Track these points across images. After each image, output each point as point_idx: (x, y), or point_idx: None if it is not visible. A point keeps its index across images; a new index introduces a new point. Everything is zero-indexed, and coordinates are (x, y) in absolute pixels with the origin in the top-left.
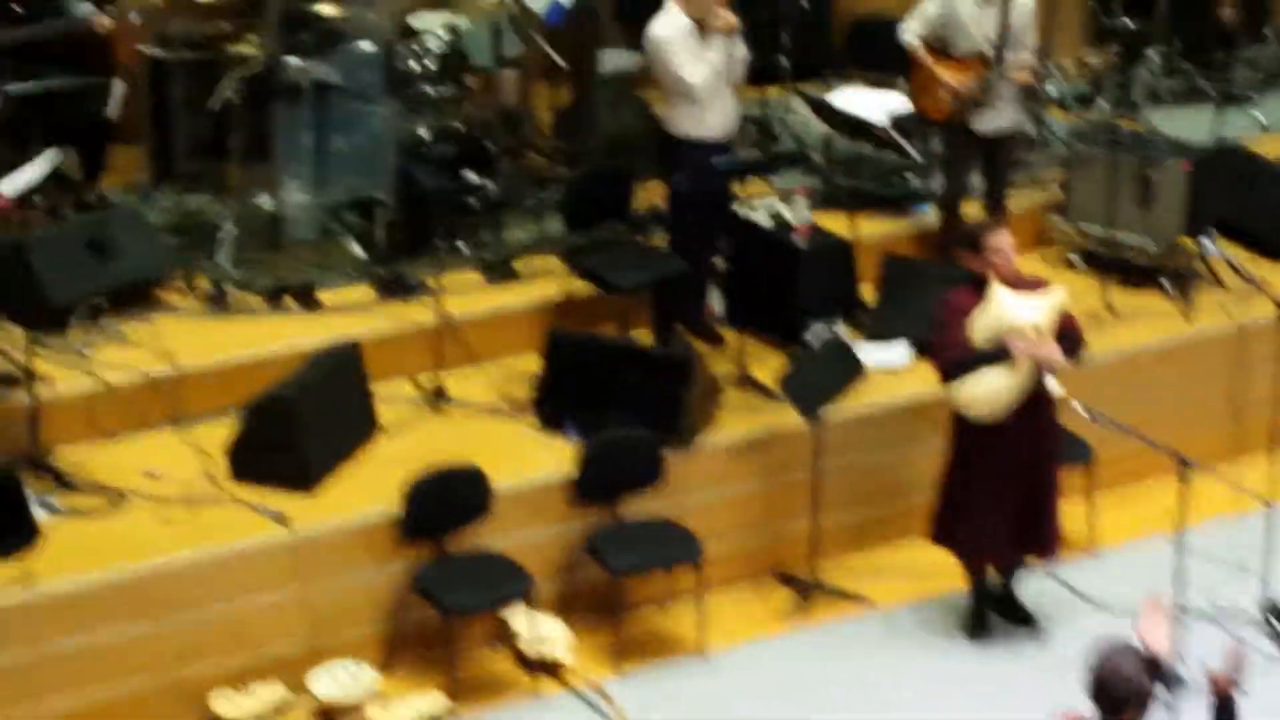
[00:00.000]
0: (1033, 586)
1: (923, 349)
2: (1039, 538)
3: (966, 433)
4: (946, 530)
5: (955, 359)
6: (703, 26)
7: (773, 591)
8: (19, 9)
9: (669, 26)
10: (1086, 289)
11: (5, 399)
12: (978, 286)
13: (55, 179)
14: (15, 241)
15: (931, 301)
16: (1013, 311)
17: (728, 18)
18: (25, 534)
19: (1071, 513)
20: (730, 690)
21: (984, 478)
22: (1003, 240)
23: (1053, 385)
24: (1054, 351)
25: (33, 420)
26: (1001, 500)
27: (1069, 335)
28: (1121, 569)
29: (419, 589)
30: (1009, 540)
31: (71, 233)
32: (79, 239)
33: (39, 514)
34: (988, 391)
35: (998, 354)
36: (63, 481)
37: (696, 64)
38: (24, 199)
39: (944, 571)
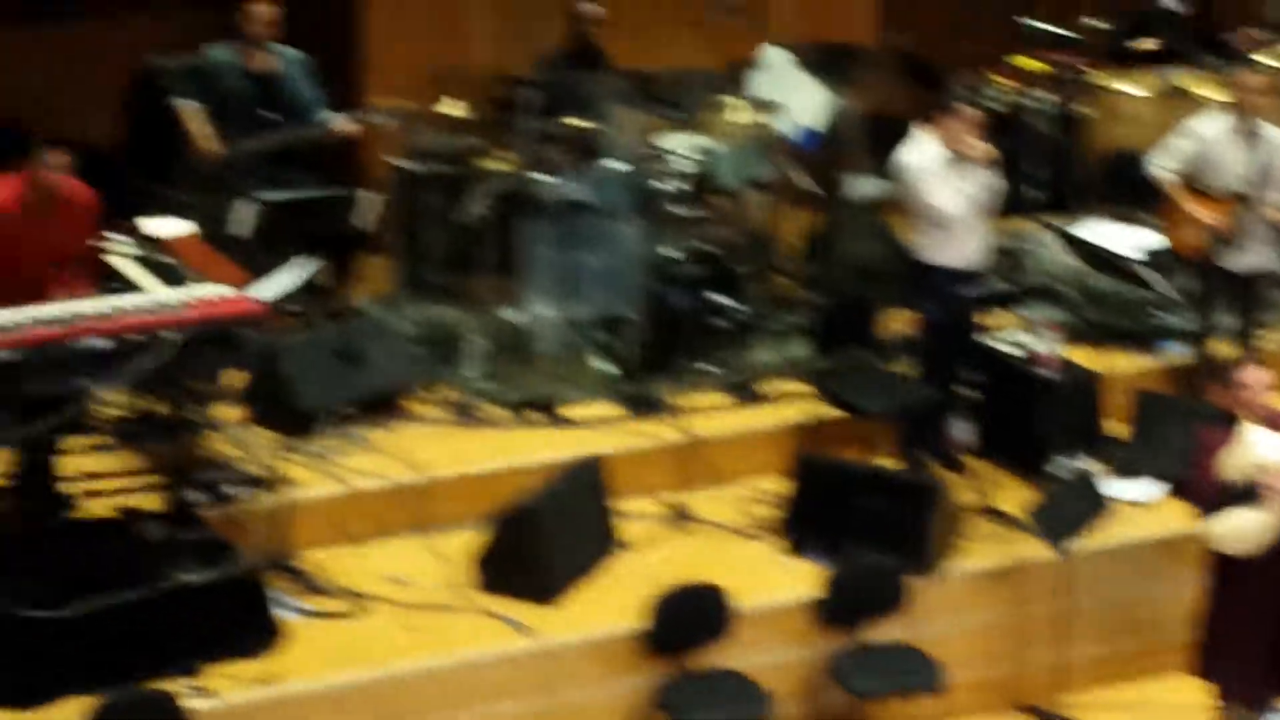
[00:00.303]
0: None
1: (1174, 485)
2: None
3: (1223, 567)
4: (1205, 664)
5: (1206, 496)
6: (955, 155)
7: None
8: (269, 115)
9: (921, 154)
10: None
11: (254, 501)
12: (1230, 424)
13: (308, 287)
14: (268, 347)
15: (1186, 438)
16: (1264, 450)
17: (983, 147)
18: (268, 634)
19: None
20: None
21: (1240, 612)
22: (1254, 377)
23: None
24: None
25: (280, 523)
26: (1259, 636)
27: None
28: None
29: (661, 705)
30: (1264, 678)
31: (322, 340)
32: (329, 347)
33: (283, 615)
34: (1240, 529)
35: (1249, 493)
36: (307, 584)
37: (949, 192)
38: (277, 305)
39: (1192, 708)
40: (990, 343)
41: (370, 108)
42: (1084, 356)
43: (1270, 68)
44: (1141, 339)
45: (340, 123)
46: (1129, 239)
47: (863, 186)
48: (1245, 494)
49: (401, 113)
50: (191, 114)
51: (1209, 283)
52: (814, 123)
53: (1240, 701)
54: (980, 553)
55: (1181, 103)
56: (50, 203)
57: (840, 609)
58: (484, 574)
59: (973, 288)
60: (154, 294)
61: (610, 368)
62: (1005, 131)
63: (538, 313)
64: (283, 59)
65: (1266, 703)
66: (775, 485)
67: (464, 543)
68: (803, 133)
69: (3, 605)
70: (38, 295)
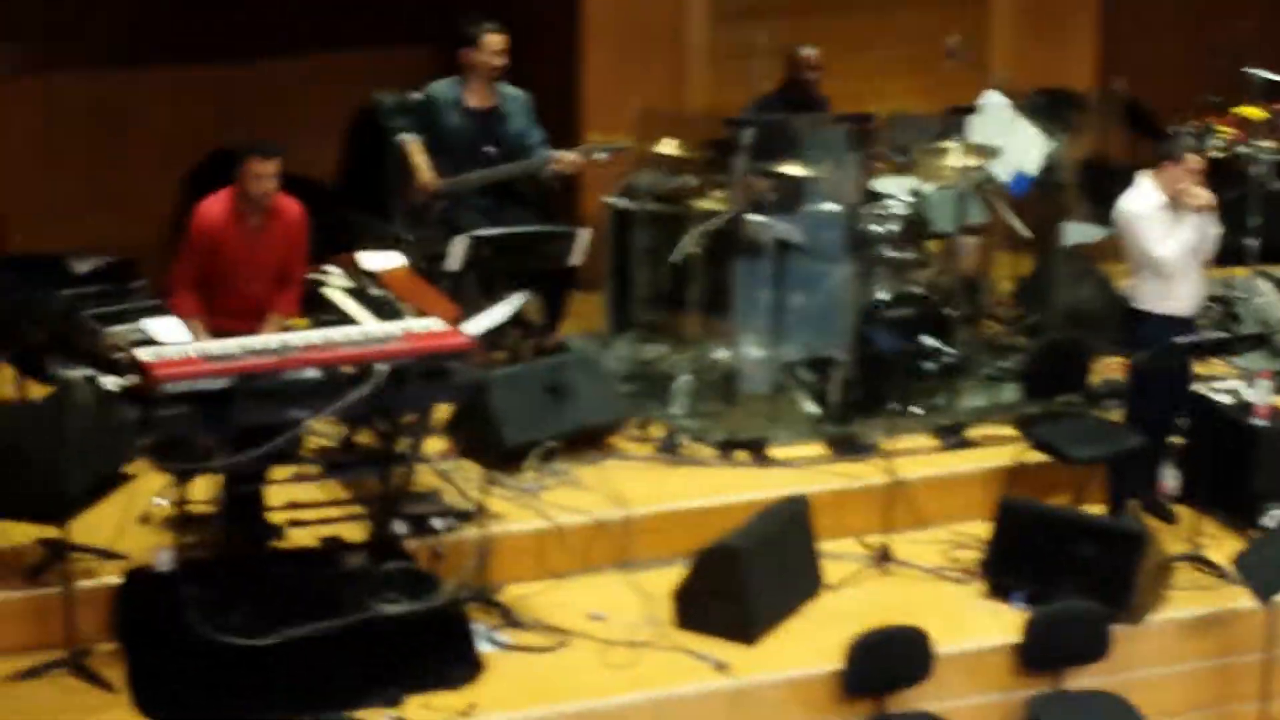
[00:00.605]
0: None
1: None
2: None
3: None
4: None
5: None
6: (1176, 203)
7: None
8: (494, 151)
9: (1142, 201)
10: None
11: (458, 534)
12: None
13: (517, 322)
14: (476, 381)
15: None
16: None
17: (1204, 195)
18: (470, 667)
19: None
20: None
21: None
22: None
23: None
24: None
25: (483, 556)
26: None
27: None
28: None
29: None
30: None
31: (530, 375)
32: (537, 382)
33: (484, 648)
34: None
35: None
36: (508, 617)
37: (1168, 239)
38: (487, 340)
39: None
40: (1204, 391)
41: (591, 144)
42: None
43: None
44: None
45: (562, 156)
46: None
47: (1079, 232)
48: None
49: (621, 149)
50: (413, 147)
51: None
52: (1029, 168)
53: None
54: (1186, 601)
55: None
56: (260, 213)
57: (1041, 654)
58: (684, 611)
59: (1188, 335)
60: (366, 326)
61: (817, 408)
62: (1225, 179)
63: (747, 352)
64: (504, 96)
65: None
66: (979, 529)
67: (666, 580)
68: (1018, 177)
69: (209, 632)
70: (258, 314)
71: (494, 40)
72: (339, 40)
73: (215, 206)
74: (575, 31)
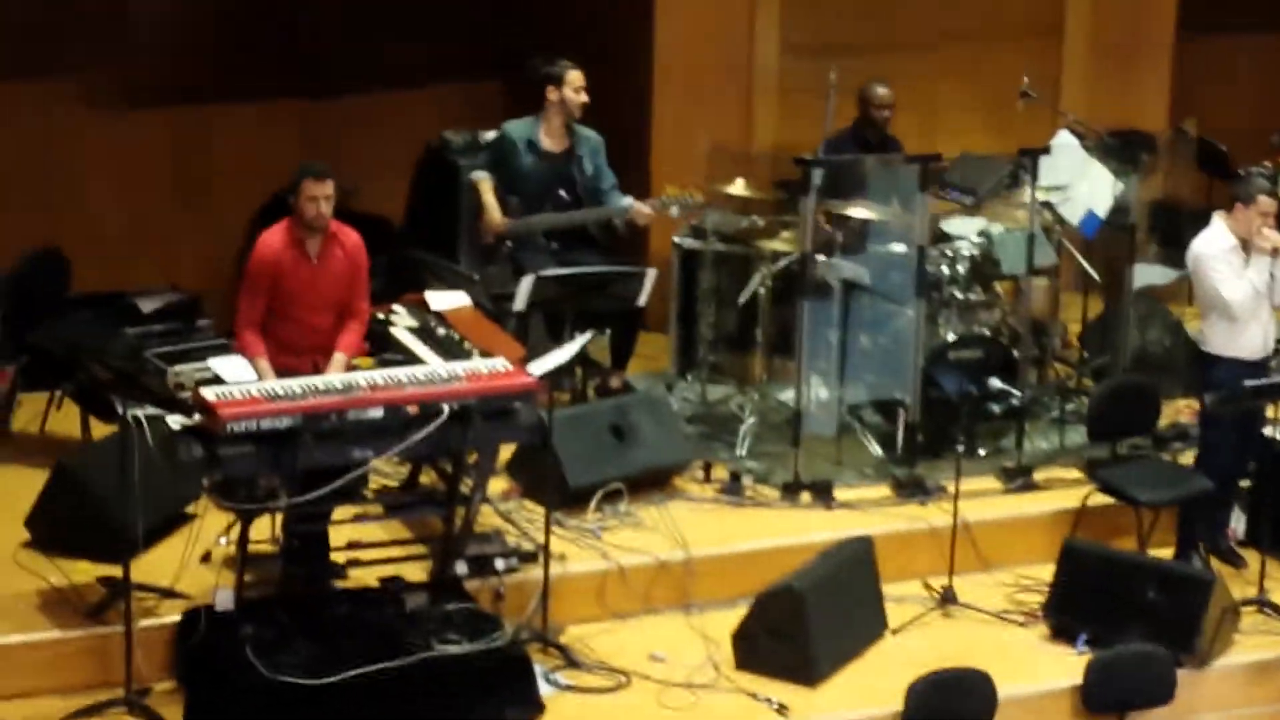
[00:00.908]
0: None
1: None
2: None
3: None
4: None
5: None
6: (1248, 245)
7: None
8: (567, 195)
9: (1214, 243)
10: None
11: (521, 574)
12: None
13: (584, 363)
14: (541, 421)
15: None
16: None
17: (1276, 238)
18: (530, 707)
19: None
20: None
21: None
22: None
23: None
24: None
25: (545, 596)
26: None
27: None
28: None
29: None
30: None
31: (595, 416)
32: (601, 423)
33: (545, 689)
34: None
35: None
36: (569, 658)
37: (1237, 281)
38: (553, 381)
39: None
40: (1273, 434)
41: (667, 197)
42: None
43: None
44: None
45: (639, 209)
46: None
47: (1149, 274)
48: None
49: (696, 204)
50: (483, 185)
51: None
52: (1100, 209)
53: None
54: (1251, 646)
55: None
56: (318, 238)
57: (1105, 696)
58: (745, 652)
59: (1258, 378)
60: (431, 366)
61: (882, 451)
62: None
63: (812, 393)
64: (579, 138)
65: None
66: (1044, 573)
67: (727, 621)
68: (1088, 219)
69: (272, 671)
70: (323, 351)
71: (576, 77)
72: (409, 77)
73: (273, 238)
74: (645, 69)
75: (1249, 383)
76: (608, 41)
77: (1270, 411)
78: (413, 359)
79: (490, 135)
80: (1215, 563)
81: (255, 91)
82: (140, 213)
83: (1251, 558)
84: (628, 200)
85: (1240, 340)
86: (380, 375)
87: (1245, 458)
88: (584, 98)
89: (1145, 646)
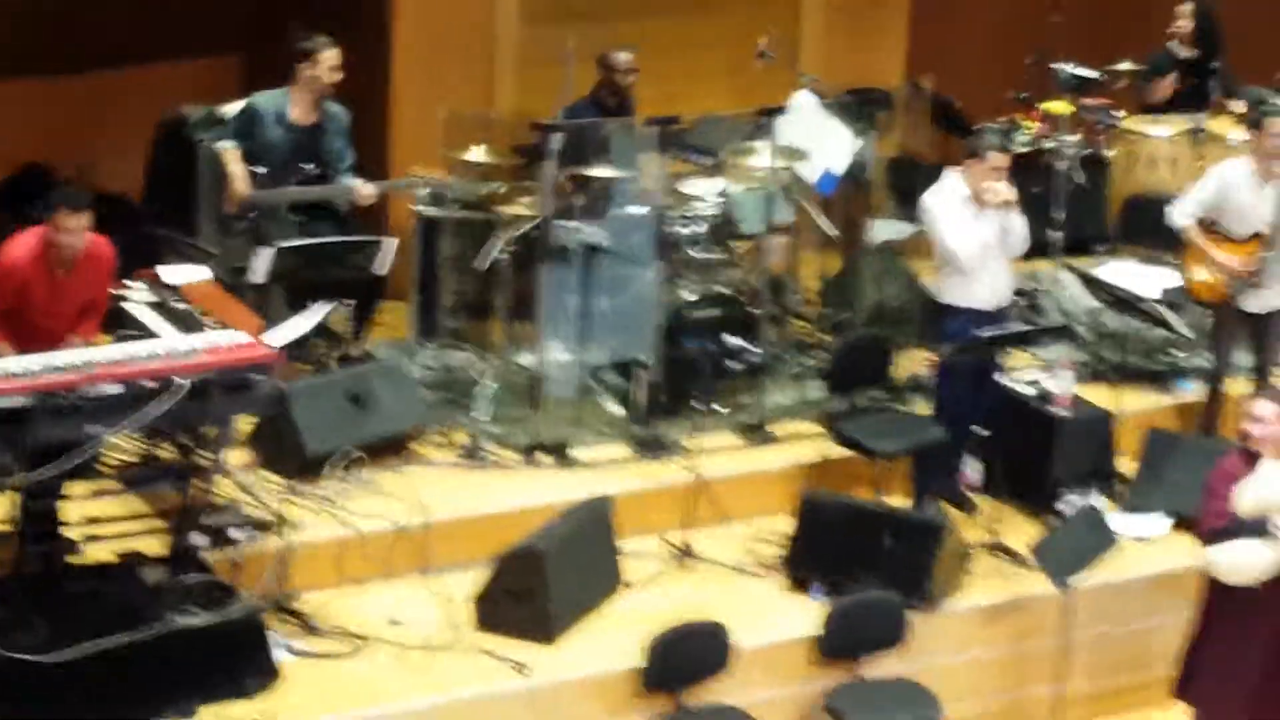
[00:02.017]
0: None
1: (1180, 521)
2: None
3: (1217, 594)
4: (1187, 687)
5: (1215, 526)
6: (978, 199)
7: None
8: (313, 169)
9: (943, 196)
10: None
11: (257, 543)
12: (1249, 457)
13: (323, 333)
14: (278, 392)
15: (1194, 474)
16: (1275, 485)
17: (1004, 192)
18: (266, 675)
19: None
20: None
21: (1228, 640)
22: (1265, 410)
23: None
24: None
25: (282, 565)
26: (1245, 665)
27: None
28: None
29: None
30: (1246, 708)
31: (333, 385)
32: (339, 392)
33: (281, 656)
34: (1244, 561)
35: (1257, 526)
36: (307, 625)
37: (965, 234)
38: (290, 351)
39: None
40: (1005, 381)
41: (390, 181)
42: (1100, 396)
43: None
44: (1157, 378)
45: (362, 189)
46: (1148, 279)
47: (886, 229)
48: (1254, 527)
49: (426, 181)
50: (230, 155)
51: (1226, 323)
52: (837, 167)
53: None
54: (983, 588)
55: (1207, 147)
56: (69, 263)
57: (840, 643)
58: (485, 613)
59: (991, 328)
60: (167, 340)
61: (622, 410)
62: (1031, 174)
63: (551, 356)
64: (327, 113)
65: None
66: (784, 525)
67: (466, 584)
68: (825, 176)
69: (3, 648)
70: (55, 341)
71: (330, 55)
72: (143, 52)
73: (21, 249)
74: (384, 40)
75: (982, 332)
76: (346, 12)
77: (1004, 360)
78: (149, 334)
79: (230, 108)
80: (949, 509)
81: None
82: None
83: (985, 503)
84: (350, 180)
85: (973, 291)
86: (117, 351)
87: (980, 406)
88: (335, 76)
89: (877, 591)
